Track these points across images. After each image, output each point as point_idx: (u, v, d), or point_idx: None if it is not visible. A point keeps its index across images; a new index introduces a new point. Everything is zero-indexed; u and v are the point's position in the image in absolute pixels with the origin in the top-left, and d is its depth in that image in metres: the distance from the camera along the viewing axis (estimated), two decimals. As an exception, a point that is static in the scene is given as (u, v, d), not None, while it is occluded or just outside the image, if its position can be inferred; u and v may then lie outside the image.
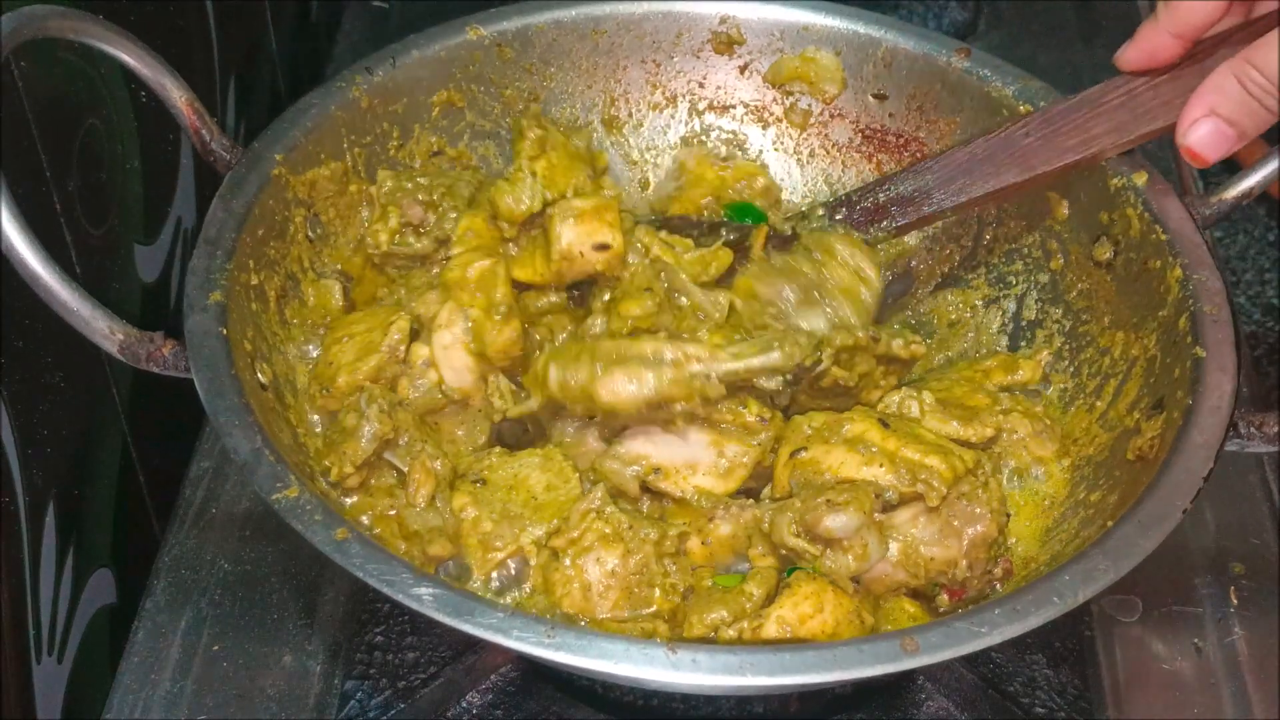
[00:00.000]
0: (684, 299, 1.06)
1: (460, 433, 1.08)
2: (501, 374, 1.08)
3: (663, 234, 1.10)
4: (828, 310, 1.07)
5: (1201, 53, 1.00)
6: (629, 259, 1.08)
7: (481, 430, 1.08)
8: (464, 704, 1.02)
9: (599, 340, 1.04)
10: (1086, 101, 1.06)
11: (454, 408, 1.08)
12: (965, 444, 1.02)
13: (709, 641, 0.92)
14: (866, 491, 0.95)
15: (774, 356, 0.99)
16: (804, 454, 0.99)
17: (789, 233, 1.14)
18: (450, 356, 1.06)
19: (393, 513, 1.00)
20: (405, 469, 1.02)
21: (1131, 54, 1.02)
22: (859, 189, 1.17)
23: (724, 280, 1.09)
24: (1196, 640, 1.07)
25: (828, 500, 0.94)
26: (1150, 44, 1.01)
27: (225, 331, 0.93)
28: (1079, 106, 1.07)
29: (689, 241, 1.10)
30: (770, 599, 0.93)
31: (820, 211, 1.15)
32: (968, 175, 1.10)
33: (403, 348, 1.06)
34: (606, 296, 1.08)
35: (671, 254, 1.08)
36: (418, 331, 1.08)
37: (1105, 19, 1.69)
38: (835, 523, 0.93)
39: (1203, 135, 0.95)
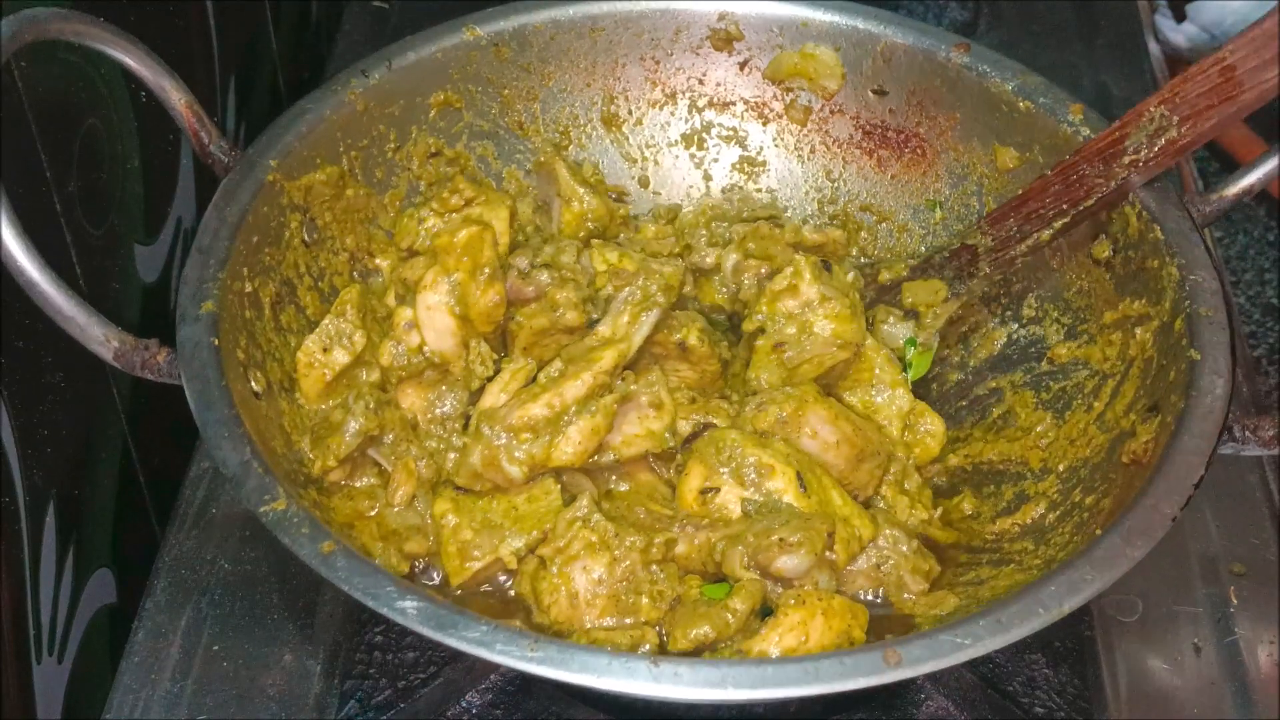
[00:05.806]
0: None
1: (432, 397, 1.07)
2: (484, 340, 1.07)
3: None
4: None
5: None
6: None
7: (459, 400, 1.07)
8: (463, 704, 1.02)
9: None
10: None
11: (433, 374, 1.07)
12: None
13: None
14: (819, 530, 0.95)
15: None
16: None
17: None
18: (434, 318, 1.05)
19: (373, 513, 1.00)
20: (389, 467, 1.02)
21: None
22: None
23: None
24: (1196, 640, 1.07)
25: (781, 540, 0.94)
26: None
27: (216, 342, 0.94)
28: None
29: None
30: (754, 613, 0.93)
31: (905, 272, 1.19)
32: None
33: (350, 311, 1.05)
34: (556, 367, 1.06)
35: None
36: (403, 296, 1.08)
37: (1105, 19, 1.67)
38: (788, 564, 0.94)
39: None
